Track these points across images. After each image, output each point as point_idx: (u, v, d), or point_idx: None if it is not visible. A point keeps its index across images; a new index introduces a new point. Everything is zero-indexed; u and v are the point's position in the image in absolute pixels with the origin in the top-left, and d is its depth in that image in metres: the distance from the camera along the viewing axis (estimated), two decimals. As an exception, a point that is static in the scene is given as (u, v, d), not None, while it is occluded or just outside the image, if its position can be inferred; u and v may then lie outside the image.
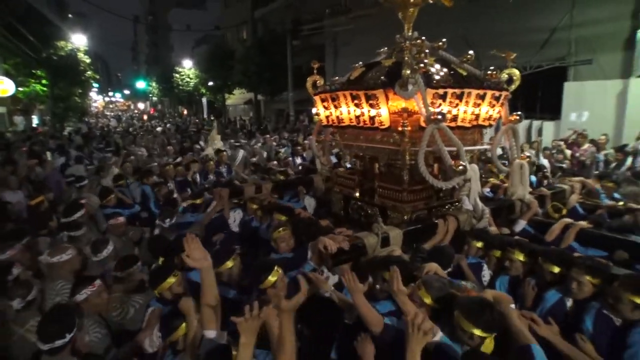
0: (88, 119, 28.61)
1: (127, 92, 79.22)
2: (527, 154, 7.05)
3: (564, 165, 6.92)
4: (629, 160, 7.14)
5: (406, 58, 3.20)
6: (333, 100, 4.15)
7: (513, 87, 4.06)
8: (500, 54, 4.15)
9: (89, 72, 20.41)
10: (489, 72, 3.82)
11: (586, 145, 8.17)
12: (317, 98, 4.49)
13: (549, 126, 10.89)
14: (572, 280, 2.41)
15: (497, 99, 3.81)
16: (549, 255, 2.68)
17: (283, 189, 5.35)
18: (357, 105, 3.75)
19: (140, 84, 50.70)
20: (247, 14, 26.98)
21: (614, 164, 7.18)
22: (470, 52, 4.02)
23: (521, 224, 3.74)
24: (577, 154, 7.93)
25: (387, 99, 3.42)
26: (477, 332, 1.83)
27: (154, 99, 52.48)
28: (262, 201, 4.58)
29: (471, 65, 3.83)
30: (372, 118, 3.63)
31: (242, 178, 6.77)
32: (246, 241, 4.10)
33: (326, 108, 4.39)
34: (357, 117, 3.83)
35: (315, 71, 4.79)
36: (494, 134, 4.34)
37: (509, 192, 3.89)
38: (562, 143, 8.26)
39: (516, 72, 4.04)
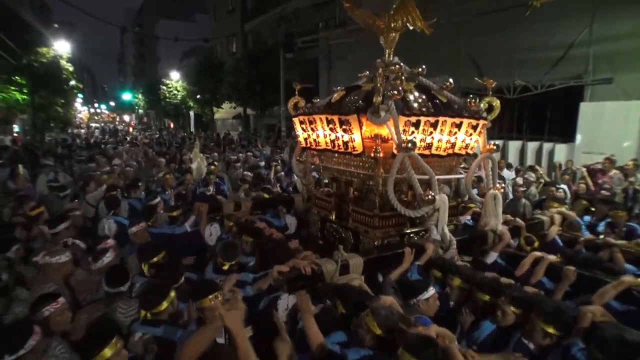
0: (72, 130, 28.37)
1: (112, 104, 79.38)
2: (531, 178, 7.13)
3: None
4: None
5: (378, 84, 3.31)
6: (310, 123, 4.26)
7: (492, 115, 4.18)
8: (481, 80, 4.30)
9: (72, 82, 20.32)
10: (469, 100, 3.93)
11: (612, 172, 7.46)
12: (296, 120, 4.59)
13: (561, 149, 10.31)
14: (498, 308, 2.64)
15: (475, 127, 3.92)
16: (480, 285, 2.87)
17: (265, 206, 5.44)
18: (331, 130, 3.85)
19: (126, 96, 51.11)
20: (237, 26, 27.42)
21: None
22: (450, 80, 4.17)
23: (492, 256, 3.81)
24: (600, 181, 7.22)
25: (361, 124, 3.52)
26: None
27: (140, 111, 52.58)
28: (239, 219, 4.62)
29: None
30: (345, 143, 3.73)
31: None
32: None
33: (304, 130, 4.49)
34: (332, 141, 3.93)
35: (296, 92, 4.87)
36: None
37: (482, 222, 3.98)
38: (584, 169, 7.67)
39: (496, 101, 4.17)
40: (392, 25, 4.16)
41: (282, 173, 8.79)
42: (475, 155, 4.37)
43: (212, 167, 8.08)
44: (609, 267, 3.37)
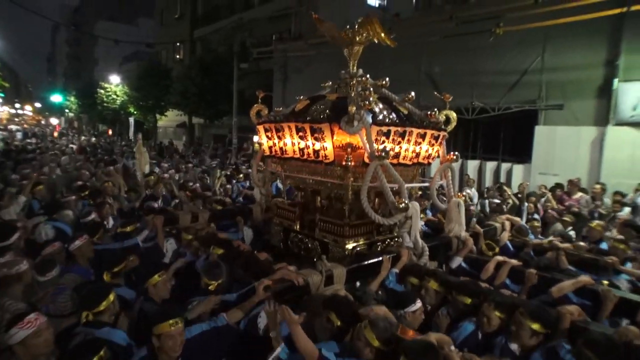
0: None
1: (38, 105, 73.93)
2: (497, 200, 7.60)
3: (566, 219, 6.35)
4: (625, 211, 7.05)
5: (352, 94, 3.44)
6: (277, 131, 4.29)
7: (450, 127, 4.47)
8: (439, 95, 4.60)
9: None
10: (428, 112, 4.20)
11: (578, 195, 7.96)
12: (260, 128, 4.60)
13: (518, 169, 11.03)
14: (482, 315, 2.77)
15: (436, 138, 4.20)
16: (461, 288, 3.05)
17: (222, 218, 5.32)
18: (301, 138, 3.92)
19: (56, 98, 47.96)
20: (186, 33, 26.96)
21: (611, 215, 6.94)
22: (412, 93, 4.41)
23: (457, 260, 4.08)
24: (567, 204, 7.69)
25: (333, 133, 3.63)
26: None
27: (70, 114, 49.49)
28: (199, 231, 4.49)
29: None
30: (316, 151, 3.81)
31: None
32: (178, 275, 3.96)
33: (269, 138, 4.51)
34: (302, 149, 3.99)
35: (259, 100, 4.89)
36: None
37: (446, 229, 4.22)
38: (548, 191, 8.17)
39: (453, 114, 4.47)
40: (357, 39, 4.34)
41: (229, 186, 8.69)
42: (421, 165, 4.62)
43: (165, 176, 7.83)
44: (567, 272, 3.77)
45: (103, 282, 3.29)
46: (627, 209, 7.16)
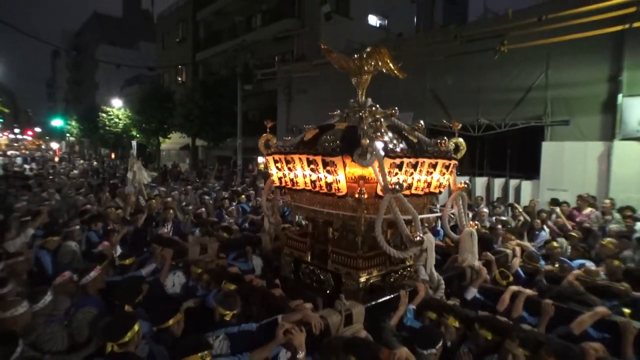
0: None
1: (38, 129, 74.84)
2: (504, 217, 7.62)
3: (573, 233, 6.35)
4: (639, 226, 6.92)
5: (365, 127, 3.52)
6: (287, 162, 4.34)
7: (460, 155, 4.53)
8: (448, 123, 4.67)
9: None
10: (438, 141, 4.26)
11: (588, 210, 8.00)
12: (269, 158, 4.66)
13: (527, 185, 11.10)
14: (506, 352, 2.75)
15: (447, 167, 4.25)
16: (484, 322, 3.04)
17: (231, 248, 5.31)
18: (313, 170, 3.97)
19: (57, 122, 48.60)
20: (188, 56, 27.48)
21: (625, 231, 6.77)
22: (421, 121, 4.49)
23: (472, 292, 4.06)
24: (578, 219, 7.68)
25: (345, 165, 3.68)
26: None
27: (72, 138, 50.01)
28: (208, 264, 4.49)
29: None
30: (329, 184, 3.85)
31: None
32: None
33: (279, 169, 4.56)
34: (313, 181, 4.03)
35: (268, 129, 4.96)
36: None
37: (460, 259, 4.23)
38: (557, 208, 8.16)
39: (462, 141, 4.54)
40: (366, 68, 4.44)
41: (232, 208, 8.67)
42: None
43: (169, 200, 7.86)
44: (581, 300, 3.72)
45: (125, 311, 3.25)
46: (639, 224, 7.09)
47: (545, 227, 7.33)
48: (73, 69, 55.50)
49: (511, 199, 10.93)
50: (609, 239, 5.63)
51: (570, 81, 10.14)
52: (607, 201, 8.26)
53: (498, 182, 11.81)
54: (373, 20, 21.49)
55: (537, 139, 10.85)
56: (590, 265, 4.77)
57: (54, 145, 58.35)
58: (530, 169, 11.14)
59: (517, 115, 11.14)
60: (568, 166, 10.19)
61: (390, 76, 4.55)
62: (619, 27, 9.02)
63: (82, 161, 31.95)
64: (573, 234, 6.29)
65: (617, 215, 7.85)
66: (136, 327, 2.64)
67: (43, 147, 61.53)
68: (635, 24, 8.78)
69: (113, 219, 6.64)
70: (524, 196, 10.74)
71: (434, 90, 12.67)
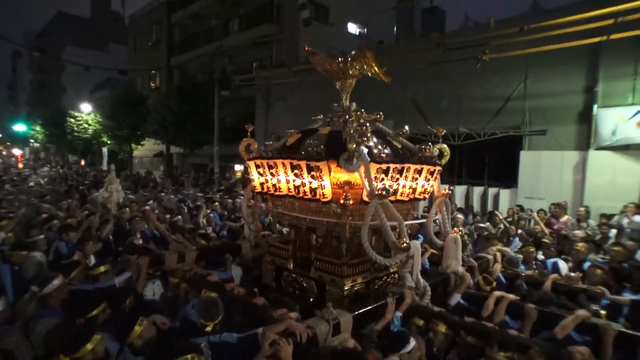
0: None
1: (-2, 134, 72.18)
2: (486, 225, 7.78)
3: (545, 240, 6.49)
4: (612, 233, 7.32)
5: (351, 131, 3.52)
6: (270, 167, 4.29)
7: (444, 161, 4.60)
8: (432, 129, 4.73)
9: None
10: (423, 147, 4.31)
11: (565, 217, 8.33)
12: (251, 163, 4.60)
13: (505, 193, 11.46)
14: (490, 359, 2.82)
15: (432, 173, 4.30)
16: (470, 330, 3.09)
17: (210, 257, 5.20)
18: (297, 175, 3.93)
19: (20, 127, 46.84)
20: (163, 59, 27.00)
21: (598, 237, 7.13)
22: (406, 127, 4.54)
23: (456, 297, 4.12)
24: (556, 227, 7.92)
25: (330, 170, 3.66)
26: None
27: (36, 144, 48.30)
28: (186, 272, 4.39)
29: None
30: (313, 190, 3.82)
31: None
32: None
33: (261, 175, 4.51)
34: (297, 187, 4.00)
35: (249, 134, 4.90)
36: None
37: (443, 265, 4.27)
38: (535, 214, 8.45)
39: (446, 147, 4.62)
40: (350, 72, 4.46)
41: (212, 214, 8.61)
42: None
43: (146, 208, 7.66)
44: (561, 304, 3.82)
45: (84, 325, 3.05)
46: (613, 231, 7.48)
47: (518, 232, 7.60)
48: (37, 70, 53.80)
49: (490, 207, 11.22)
50: (582, 244, 5.85)
51: (548, 91, 10.52)
52: (582, 209, 8.60)
53: (477, 191, 12.08)
54: (352, 28, 21.75)
55: (515, 148, 11.20)
56: (562, 264, 5.06)
57: (16, 151, 56.21)
58: (508, 177, 11.47)
59: (496, 125, 11.46)
60: (545, 175, 10.58)
61: (370, 84, 4.58)
62: (596, 39, 9.39)
63: (46, 168, 30.78)
64: (545, 240, 6.49)
65: (592, 222, 8.22)
66: (91, 345, 2.44)
67: (4, 153, 59.16)
68: (614, 36, 9.14)
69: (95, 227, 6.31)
70: (502, 204, 11.05)
71: (414, 98, 12.90)
